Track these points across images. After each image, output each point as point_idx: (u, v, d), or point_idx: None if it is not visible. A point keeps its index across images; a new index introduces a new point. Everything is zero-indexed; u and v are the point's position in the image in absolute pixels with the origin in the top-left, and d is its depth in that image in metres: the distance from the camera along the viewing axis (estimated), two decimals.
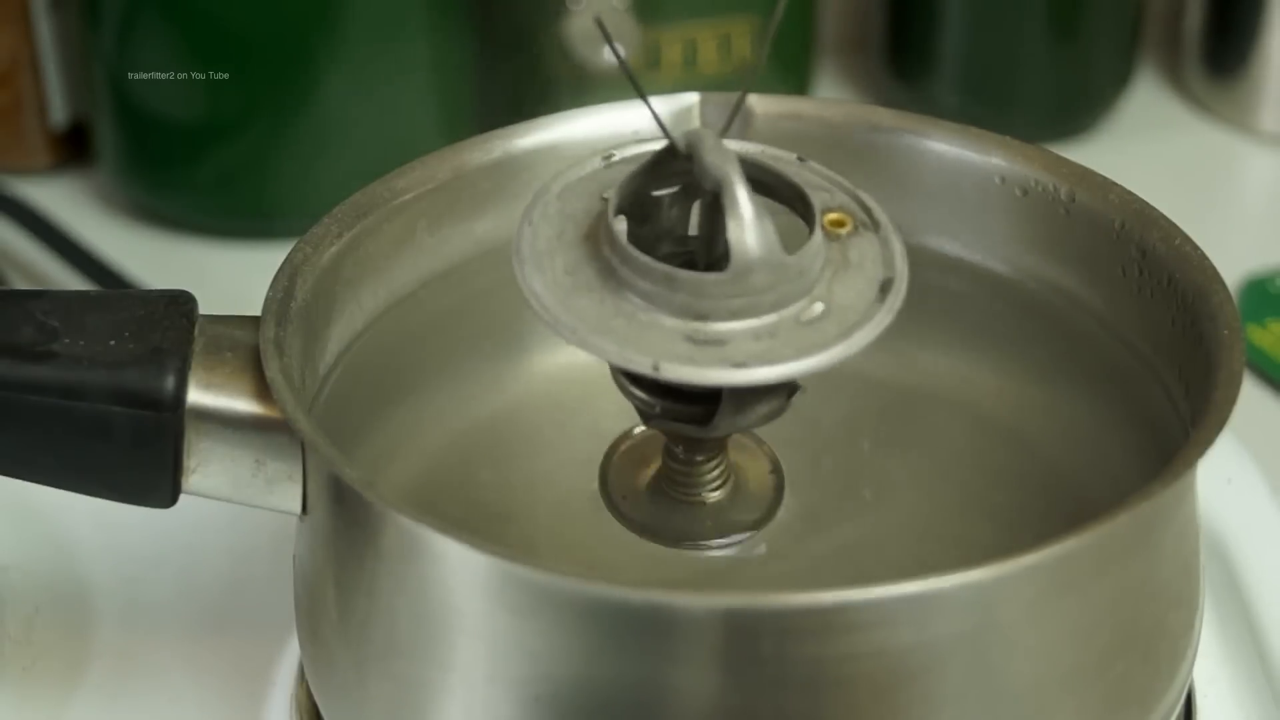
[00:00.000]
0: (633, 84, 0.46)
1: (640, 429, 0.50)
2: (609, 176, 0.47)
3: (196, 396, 0.48)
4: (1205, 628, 0.54)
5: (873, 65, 0.86)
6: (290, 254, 0.51)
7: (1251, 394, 0.70)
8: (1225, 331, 0.48)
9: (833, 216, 0.46)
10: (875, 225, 0.46)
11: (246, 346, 0.48)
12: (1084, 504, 0.51)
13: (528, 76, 0.77)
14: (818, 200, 0.46)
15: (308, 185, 0.75)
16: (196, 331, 0.48)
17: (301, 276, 0.50)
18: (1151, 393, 0.51)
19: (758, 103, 0.56)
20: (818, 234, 0.45)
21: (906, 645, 0.42)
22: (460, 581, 0.43)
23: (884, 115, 0.57)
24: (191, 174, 0.76)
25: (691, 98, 0.56)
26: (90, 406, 0.47)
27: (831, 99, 0.85)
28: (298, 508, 0.48)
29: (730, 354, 0.43)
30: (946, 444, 0.57)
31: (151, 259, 0.75)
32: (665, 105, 0.56)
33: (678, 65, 0.77)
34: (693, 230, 0.47)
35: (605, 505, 0.50)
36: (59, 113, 0.79)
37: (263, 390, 0.47)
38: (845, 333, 0.44)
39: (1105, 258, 0.53)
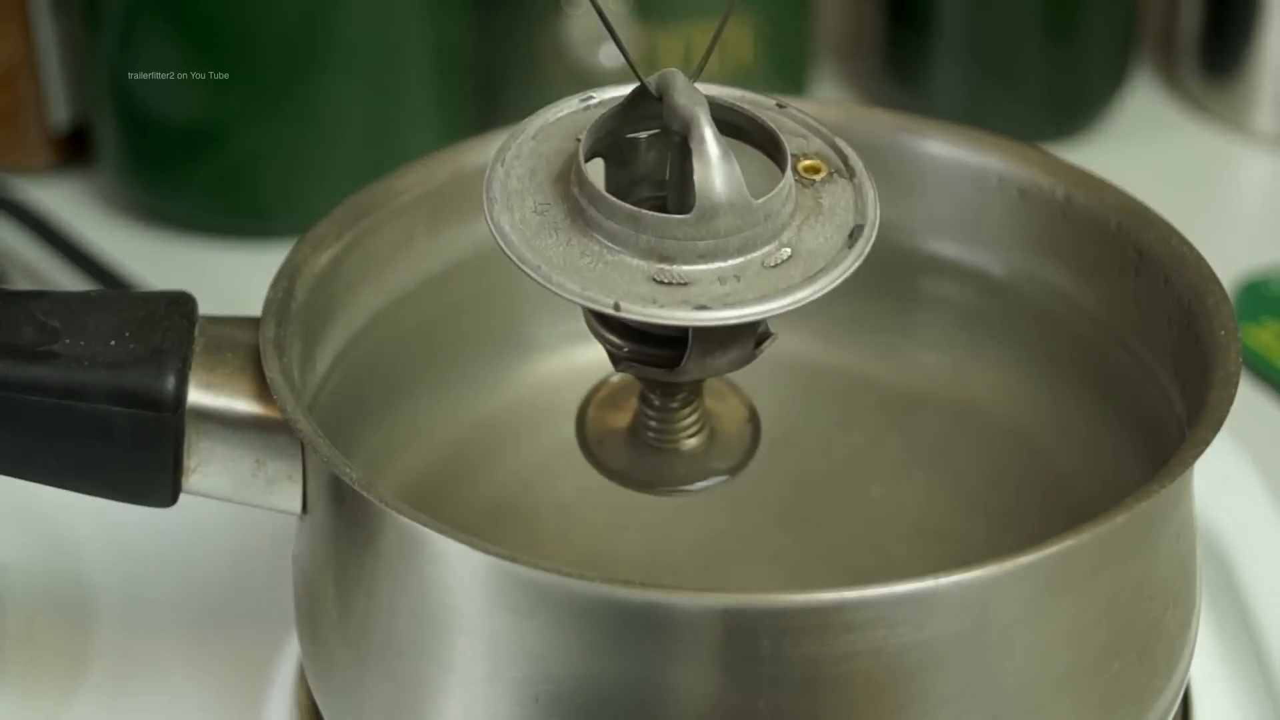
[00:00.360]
0: (602, 20, 0.46)
1: (617, 376, 0.50)
2: (585, 118, 0.46)
3: (197, 397, 0.48)
4: (1202, 627, 0.54)
5: (870, 67, 0.86)
6: (290, 255, 0.51)
7: (1248, 394, 0.70)
8: (1221, 332, 0.48)
9: (807, 163, 0.46)
10: (850, 173, 0.46)
11: (246, 347, 0.48)
12: (1081, 504, 0.51)
13: (527, 77, 0.77)
14: (792, 145, 0.46)
15: (307, 186, 0.75)
16: (197, 332, 0.48)
17: (301, 277, 0.50)
18: (1148, 393, 0.51)
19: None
20: (787, 178, 0.45)
21: (904, 644, 0.42)
22: (460, 581, 0.43)
23: (881, 117, 0.57)
24: (192, 174, 0.76)
25: None
26: (91, 407, 0.47)
27: (829, 100, 0.85)
28: (298, 507, 0.49)
29: (693, 296, 0.43)
30: (943, 444, 0.57)
31: (152, 259, 0.75)
32: None
33: (676, 64, 0.77)
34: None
35: (580, 451, 0.50)
36: (60, 113, 0.79)
37: (263, 390, 0.47)
38: (810, 278, 0.44)
39: (1102, 258, 0.53)
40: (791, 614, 0.41)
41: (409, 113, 0.76)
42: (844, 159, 0.47)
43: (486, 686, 0.44)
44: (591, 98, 0.48)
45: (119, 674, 0.57)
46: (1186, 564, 0.48)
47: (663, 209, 0.45)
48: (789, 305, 0.44)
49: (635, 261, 0.44)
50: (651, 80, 0.45)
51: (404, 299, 0.54)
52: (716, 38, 0.46)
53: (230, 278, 0.69)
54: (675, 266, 0.44)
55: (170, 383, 0.47)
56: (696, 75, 0.46)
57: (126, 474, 0.49)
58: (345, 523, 0.46)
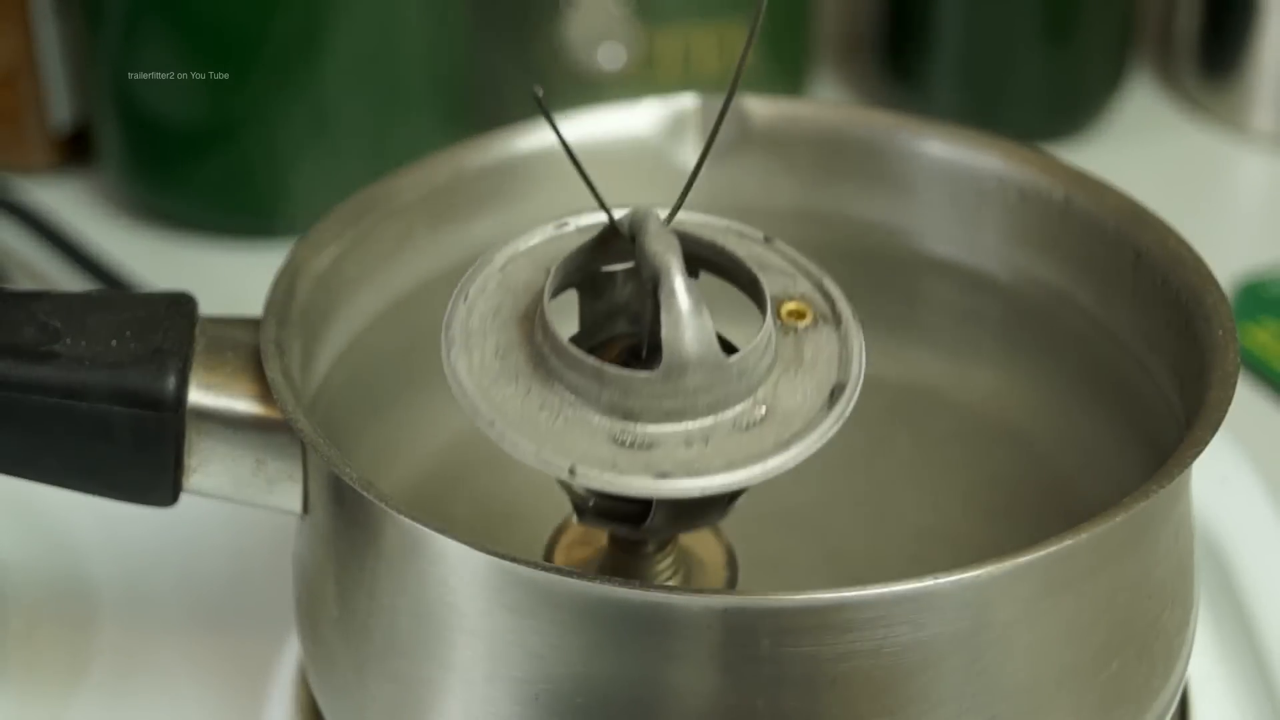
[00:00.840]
0: (576, 168, 0.43)
1: None
2: (558, 248, 0.44)
3: (197, 397, 0.48)
4: (1200, 626, 0.54)
5: (869, 67, 0.86)
6: (291, 255, 0.51)
7: (1246, 394, 0.70)
8: (1220, 332, 0.48)
9: (790, 306, 0.44)
10: (837, 319, 0.44)
11: (247, 347, 0.48)
12: (1080, 503, 0.51)
13: (526, 79, 0.77)
14: (775, 286, 0.44)
15: (308, 186, 0.75)
16: (197, 332, 0.48)
17: (302, 277, 0.50)
18: (1147, 393, 0.51)
19: (755, 105, 0.56)
20: (765, 332, 0.42)
21: (903, 644, 0.42)
22: (460, 581, 0.44)
23: (880, 117, 0.57)
24: (193, 174, 0.76)
25: (689, 99, 0.56)
26: (92, 406, 0.47)
27: (828, 101, 0.85)
28: (298, 507, 0.49)
29: (656, 460, 0.41)
30: (942, 444, 0.57)
31: (153, 259, 0.75)
32: (663, 107, 0.56)
33: (675, 66, 0.77)
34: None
35: None
36: (61, 113, 0.79)
37: (263, 391, 0.47)
38: (784, 443, 0.41)
39: (1101, 259, 0.53)
40: (791, 614, 0.41)
41: (409, 113, 0.76)
42: (831, 303, 0.44)
43: (487, 686, 0.44)
44: (566, 224, 0.46)
45: (120, 673, 0.57)
46: (1185, 563, 0.48)
47: (637, 350, 0.44)
48: (757, 476, 0.41)
49: (596, 418, 0.41)
50: (624, 218, 0.43)
51: (404, 299, 0.54)
52: (745, 54, 0.43)
53: (231, 278, 0.69)
54: (639, 426, 0.41)
55: (171, 383, 0.47)
56: (676, 211, 0.44)
57: (127, 474, 0.49)
58: (346, 523, 0.46)
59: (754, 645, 0.42)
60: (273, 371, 0.47)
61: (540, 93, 0.43)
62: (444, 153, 0.55)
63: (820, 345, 0.43)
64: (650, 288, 0.42)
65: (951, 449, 0.56)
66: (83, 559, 0.60)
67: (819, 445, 0.42)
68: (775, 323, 0.43)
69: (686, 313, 0.41)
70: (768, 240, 0.46)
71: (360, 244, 0.52)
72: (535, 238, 0.45)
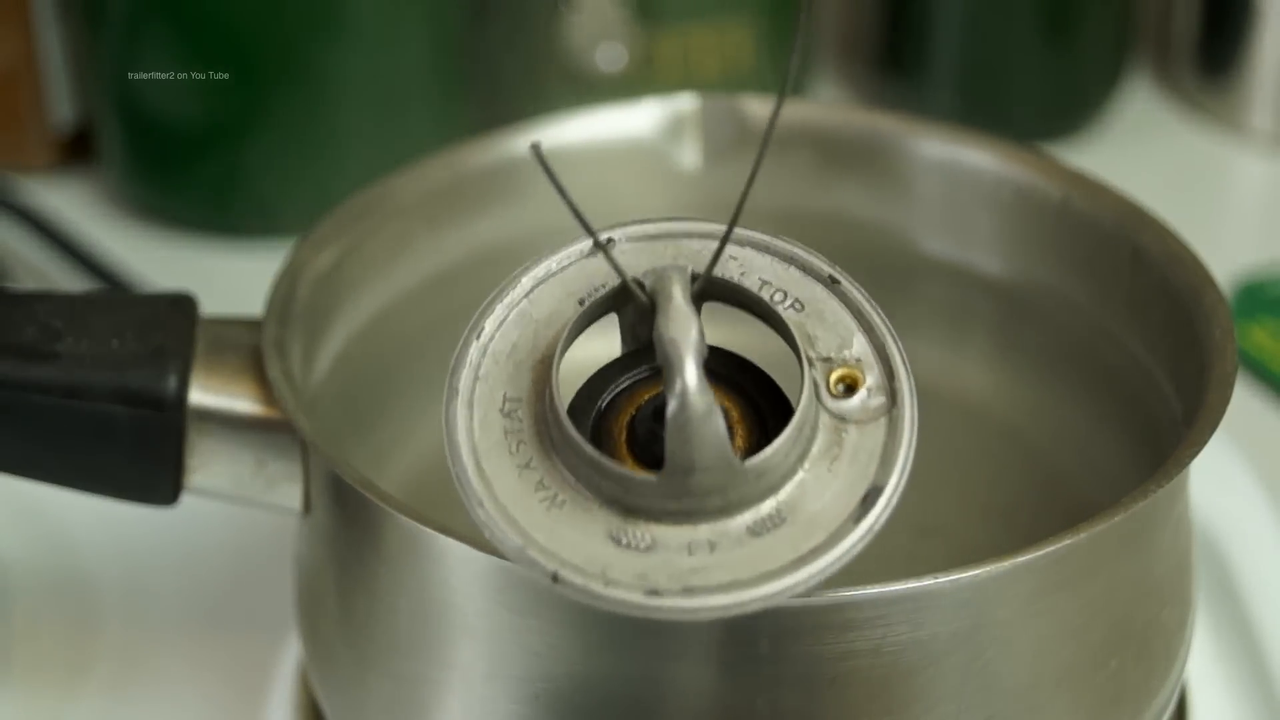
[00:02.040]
0: (574, 214, 0.39)
1: None
2: (592, 269, 0.40)
3: (198, 397, 0.48)
4: (1198, 626, 0.54)
5: (867, 67, 0.86)
6: (291, 256, 0.51)
7: (1244, 394, 0.70)
8: (1218, 332, 0.48)
9: (840, 373, 0.38)
10: (892, 398, 0.39)
11: (248, 347, 0.48)
12: (1078, 503, 0.51)
13: (526, 79, 0.77)
14: (828, 343, 0.38)
15: (309, 186, 0.75)
16: (198, 332, 0.48)
17: (303, 277, 0.50)
18: (1145, 393, 0.51)
19: (754, 105, 0.56)
20: (794, 423, 0.37)
21: (902, 643, 0.42)
22: (460, 580, 0.44)
23: (878, 118, 0.57)
24: (194, 174, 0.76)
25: (688, 100, 0.56)
26: (93, 406, 0.47)
27: (826, 101, 0.85)
28: (299, 507, 0.49)
29: (651, 570, 0.37)
30: (941, 443, 0.57)
31: (155, 259, 0.75)
32: (662, 108, 0.56)
33: (675, 68, 0.77)
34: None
35: None
36: (63, 113, 0.79)
37: (264, 391, 0.48)
38: (799, 560, 0.37)
39: (1099, 259, 0.53)
40: (790, 613, 0.41)
41: (410, 113, 0.76)
42: (890, 375, 0.39)
43: (486, 685, 0.44)
44: (610, 238, 0.40)
45: (121, 672, 0.57)
46: (1183, 563, 0.48)
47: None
48: (760, 603, 0.37)
49: (596, 509, 0.37)
50: (648, 277, 0.38)
51: (405, 299, 0.54)
52: (793, 62, 0.40)
53: (232, 277, 0.69)
54: (640, 525, 0.37)
55: (172, 383, 0.48)
56: (779, 104, 0.38)
57: (128, 473, 0.49)
58: (346, 522, 0.46)
59: (753, 645, 0.42)
60: (274, 372, 0.47)
61: (540, 147, 0.38)
62: (444, 153, 0.55)
63: (864, 432, 0.38)
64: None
65: (949, 448, 0.56)
66: (84, 559, 0.60)
67: (840, 566, 0.37)
68: (814, 404, 0.38)
69: (696, 419, 0.37)
70: (834, 282, 0.40)
71: (361, 244, 0.53)
72: (569, 259, 0.41)
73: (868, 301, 0.40)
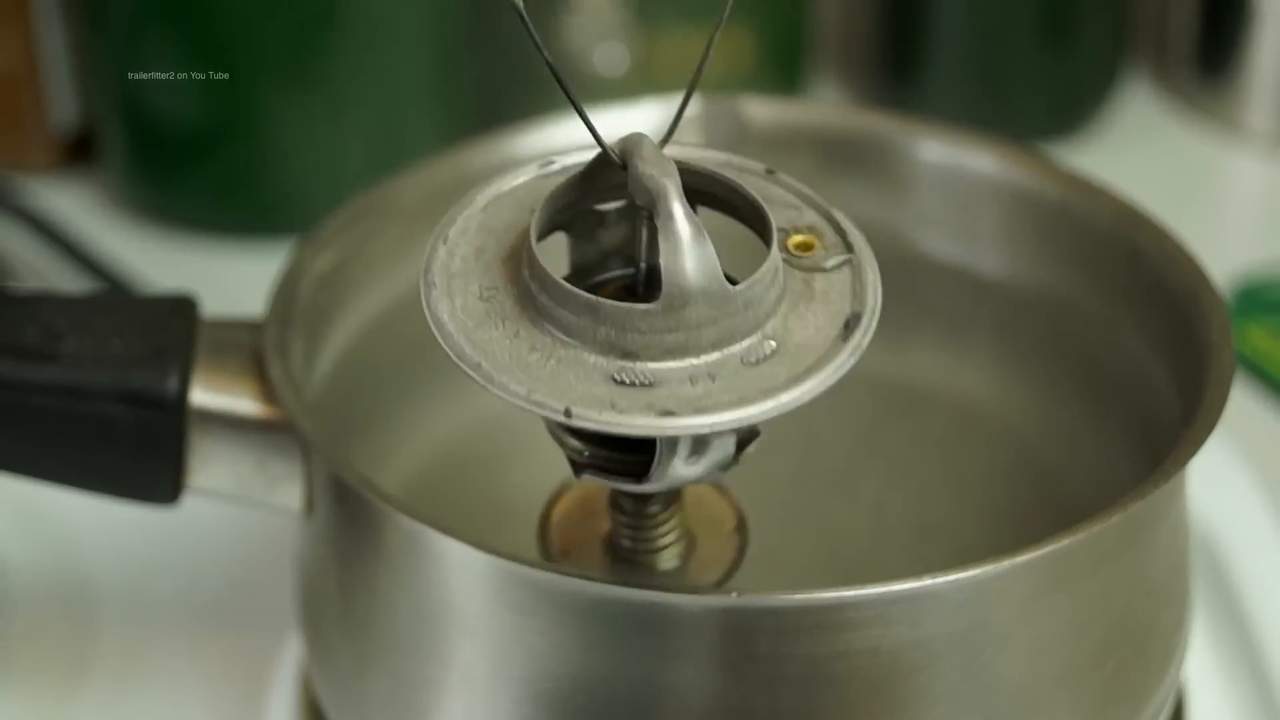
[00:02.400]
0: (559, 83, 0.41)
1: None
2: (543, 186, 0.41)
3: (199, 397, 0.48)
4: (1196, 625, 0.55)
5: (867, 68, 0.86)
6: (293, 257, 0.51)
7: (1242, 394, 0.70)
8: (1215, 333, 0.48)
9: (798, 239, 0.41)
10: (848, 248, 0.41)
11: (249, 348, 0.48)
12: (1076, 503, 0.51)
13: (527, 80, 0.77)
14: (781, 218, 0.41)
15: (310, 188, 0.75)
16: (199, 333, 0.49)
17: (304, 279, 0.50)
18: (1144, 393, 0.52)
19: (753, 106, 0.56)
20: (770, 260, 0.39)
21: (901, 643, 0.42)
22: (461, 580, 0.44)
23: (877, 119, 0.57)
24: (196, 175, 0.76)
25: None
26: (94, 407, 0.47)
27: (825, 102, 0.85)
28: (300, 507, 0.49)
29: (658, 399, 0.38)
30: (939, 443, 0.57)
31: (156, 260, 0.75)
32: (662, 109, 0.56)
33: (675, 69, 0.77)
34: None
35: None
36: (65, 114, 0.79)
37: (265, 391, 0.48)
38: (797, 377, 0.38)
39: (1097, 260, 0.53)
40: (789, 613, 0.42)
41: (411, 115, 0.76)
42: (842, 234, 0.41)
43: (487, 684, 0.44)
44: (552, 163, 0.43)
45: (122, 672, 0.57)
46: (1181, 563, 0.48)
47: (633, 289, 0.41)
48: (771, 412, 0.38)
49: (592, 358, 0.38)
50: (615, 145, 0.40)
51: (406, 300, 0.54)
52: (710, 46, 0.41)
53: (234, 278, 0.69)
54: (639, 364, 0.38)
55: (173, 383, 0.48)
56: (670, 135, 0.41)
57: (129, 473, 0.49)
58: (347, 522, 0.46)
59: (752, 644, 0.42)
60: (275, 372, 0.47)
61: (521, 4, 0.41)
62: (445, 155, 0.55)
63: (831, 276, 0.40)
64: (646, 215, 0.39)
65: (948, 448, 0.56)
66: (84, 559, 0.60)
67: (836, 379, 0.39)
68: (781, 253, 0.40)
69: (687, 238, 0.38)
70: (770, 173, 0.43)
71: (362, 245, 0.53)
72: (519, 177, 0.42)
73: (804, 186, 0.43)
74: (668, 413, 0.38)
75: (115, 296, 0.50)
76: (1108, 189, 0.53)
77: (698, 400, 0.38)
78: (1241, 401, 0.69)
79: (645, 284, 0.41)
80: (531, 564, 0.42)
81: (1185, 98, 0.87)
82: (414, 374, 0.55)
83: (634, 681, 0.43)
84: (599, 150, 0.40)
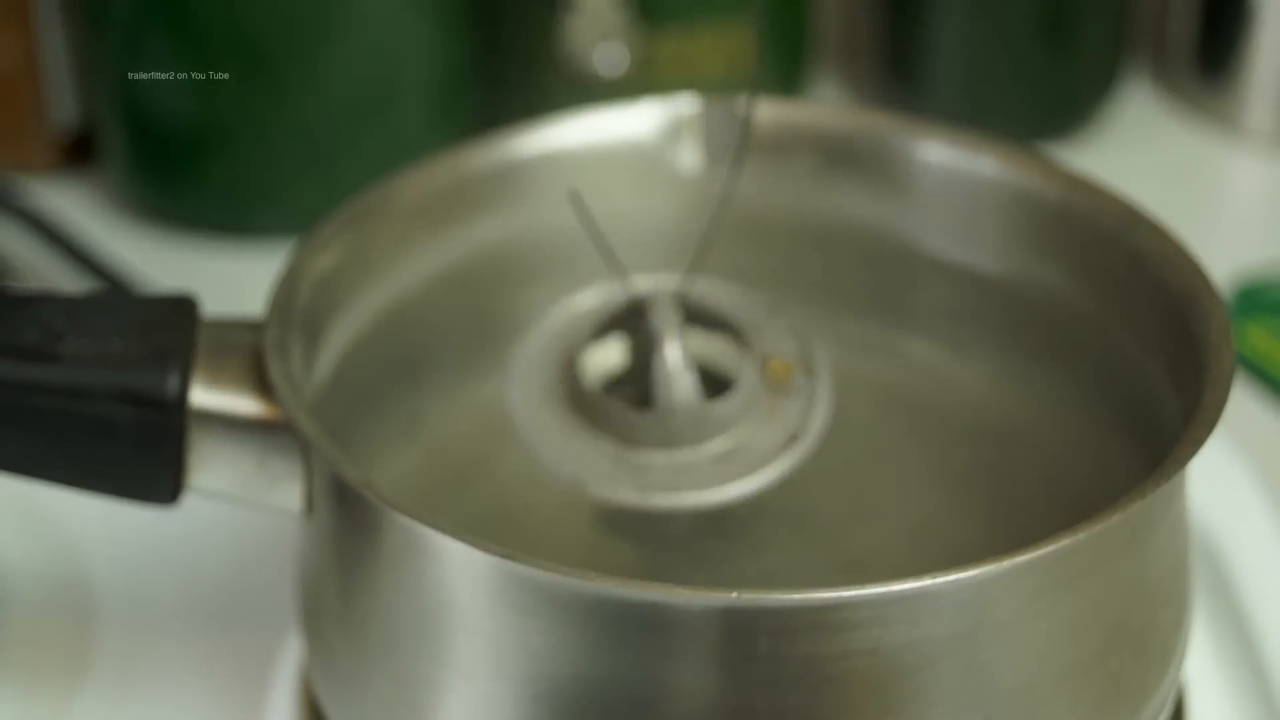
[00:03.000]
0: (585, 227, 0.51)
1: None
2: (594, 303, 0.54)
3: (200, 397, 0.48)
4: (1196, 625, 0.55)
5: (867, 68, 0.86)
6: (293, 257, 0.51)
7: (1242, 394, 0.70)
8: (1215, 333, 0.48)
9: (776, 364, 0.53)
10: (813, 379, 0.52)
11: (249, 348, 0.48)
12: (1076, 503, 0.51)
13: (527, 80, 0.77)
14: (768, 347, 0.53)
15: (310, 187, 0.75)
16: (200, 333, 0.49)
17: (304, 278, 0.50)
18: (1143, 393, 0.52)
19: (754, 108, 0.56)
20: (742, 386, 0.51)
21: (901, 643, 0.42)
22: (461, 580, 0.44)
23: (878, 119, 0.57)
24: (196, 175, 0.76)
25: (688, 102, 0.56)
26: (94, 407, 0.47)
27: (825, 103, 0.85)
28: (300, 507, 0.49)
29: (643, 480, 0.50)
30: (939, 443, 0.57)
31: (157, 260, 0.75)
32: (662, 110, 0.56)
33: (675, 69, 0.77)
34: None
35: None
36: (65, 114, 0.79)
37: (265, 391, 0.48)
38: (745, 472, 0.50)
39: (1096, 261, 0.53)
40: (789, 613, 0.42)
41: (411, 115, 0.76)
42: (813, 367, 0.53)
43: (488, 684, 0.44)
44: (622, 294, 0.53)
45: (121, 672, 0.57)
46: (1181, 563, 0.48)
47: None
48: (721, 497, 0.50)
49: (605, 444, 0.51)
50: (641, 295, 0.52)
51: (405, 300, 0.54)
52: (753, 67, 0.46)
53: (234, 278, 0.69)
54: (634, 452, 0.50)
55: (173, 383, 0.48)
56: (749, 105, 0.50)
57: (129, 473, 0.49)
58: (347, 522, 0.46)
59: (752, 644, 0.42)
60: (275, 372, 0.47)
61: (580, 197, 0.53)
62: (444, 155, 0.55)
63: (791, 401, 0.52)
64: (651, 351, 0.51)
65: (948, 448, 0.56)
66: (83, 559, 0.60)
67: (774, 477, 0.50)
68: (756, 379, 0.52)
69: (676, 373, 0.51)
70: (775, 306, 0.54)
71: (362, 246, 0.53)
72: (584, 300, 0.54)
73: (795, 324, 0.53)
74: (646, 490, 0.50)
75: (115, 296, 0.50)
76: (1108, 189, 0.53)
77: (672, 484, 0.50)
78: (1241, 401, 0.69)
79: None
80: (531, 564, 0.42)
81: (1185, 98, 0.87)
82: (414, 374, 0.55)
83: (634, 681, 0.43)
84: (626, 299, 0.53)
